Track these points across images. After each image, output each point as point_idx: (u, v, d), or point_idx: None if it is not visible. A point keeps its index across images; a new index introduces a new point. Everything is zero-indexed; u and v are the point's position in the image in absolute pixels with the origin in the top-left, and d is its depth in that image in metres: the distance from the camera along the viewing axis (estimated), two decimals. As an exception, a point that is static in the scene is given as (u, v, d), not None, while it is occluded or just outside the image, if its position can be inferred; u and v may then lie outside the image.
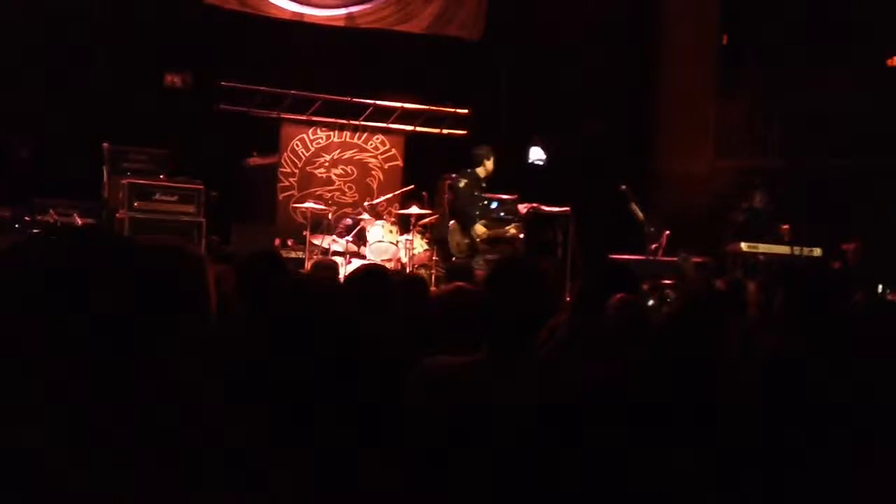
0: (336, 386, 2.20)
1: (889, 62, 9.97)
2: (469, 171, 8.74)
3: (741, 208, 8.42)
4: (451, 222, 8.80)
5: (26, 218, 8.31)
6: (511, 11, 10.62)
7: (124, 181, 8.51)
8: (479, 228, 8.52)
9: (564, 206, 9.03)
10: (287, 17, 10.28)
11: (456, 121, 11.01)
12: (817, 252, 7.88)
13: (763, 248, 7.87)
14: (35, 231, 7.49)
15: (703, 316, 2.43)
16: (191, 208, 8.61)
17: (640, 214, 8.39)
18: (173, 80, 9.89)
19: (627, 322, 2.77)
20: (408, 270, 8.13)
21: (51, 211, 8.43)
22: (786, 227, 8.16)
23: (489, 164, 8.64)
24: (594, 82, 10.47)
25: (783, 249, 7.84)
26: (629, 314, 2.81)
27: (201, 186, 8.69)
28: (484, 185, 8.72)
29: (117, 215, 8.48)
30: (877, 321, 2.46)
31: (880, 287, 7.61)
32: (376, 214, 9.48)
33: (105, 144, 8.94)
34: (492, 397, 2.09)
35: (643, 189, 8.68)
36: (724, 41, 10.41)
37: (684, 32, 10.57)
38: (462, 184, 8.71)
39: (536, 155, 9.43)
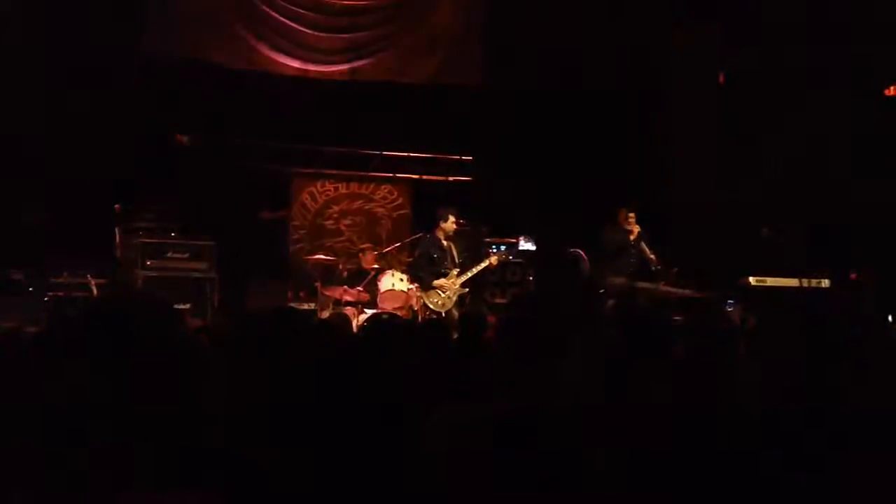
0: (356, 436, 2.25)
1: (887, 92, 10.03)
2: (427, 235, 8.62)
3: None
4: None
5: (40, 280, 8.40)
6: (511, 55, 10.75)
7: (136, 241, 8.62)
8: (440, 282, 8.24)
9: (575, 246, 9.14)
10: (291, 73, 10.48)
11: (461, 167, 11.14)
12: (825, 283, 7.90)
13: (771, 281, 7.91)
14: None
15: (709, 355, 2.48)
16: (202, 265, 8.72)
17: (651, 254, 8.45)
18: (182, 139, 10.06)
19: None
20: (420, 318, 8.18)
21: (64, 273, 8.51)
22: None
23: (445, 224, 8.40)
24: (598, 122, 10.59)
25: (792, 282, 7.87)
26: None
27: (212, 242, 8.80)
28: (445, 242, 8.43)
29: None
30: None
31: (890, 317, 7.60)
32: (387, 263, 9.55)
33: (116, 206, 9.07)
34: (506, 448, 2.12)
35: (651, 223, 8.72)
36: (721, 79, 10.52)
37: (687, 68, 10.74)
38: (416, 252, 8.69)
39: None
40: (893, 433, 2.37)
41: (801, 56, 9.74)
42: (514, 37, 10.76)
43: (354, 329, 6.65)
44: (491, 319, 5.70)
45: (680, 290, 8.01)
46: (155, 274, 8.47)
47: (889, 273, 8.35)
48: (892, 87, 9.80)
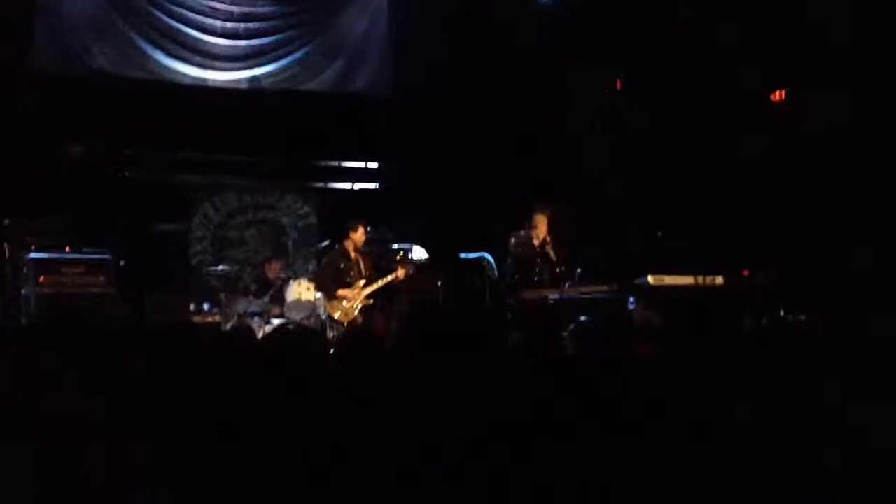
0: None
1: (772, 97, 10.45)
2: (336, 245, 8.64)
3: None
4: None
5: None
6: (421, 65, 10.76)
7: (28, 257, 8.26)
8: (343, 292, 8.29)
9: (481, 251, 9.23)
10: (189, 82, 10.24)
11: (367, 175, 11.11)
12: (720, 281, 8.20)
13: (668, 279, 8.16)
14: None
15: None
16: (99, 279, 8.40)
17: (555, 257, 8.60)
18: (74, 150, 9.73)
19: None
20: (327, 327, 8.12)
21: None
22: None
23: (355, 235, 8.45)
24: (503, 127, 10.72)
25: (688, 280, 8.14)
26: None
27: (109, 256, 8.50)
28: (353, 254, 8.47)
29: (22, 292, 8.20)
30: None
31: (782, 311, 7.93)
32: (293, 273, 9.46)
33: (6, 220, 8.68)
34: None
35: (554, 225, 8.86)
36: (619, 85, 10.83)
37: (586, 75, 11.00)
38: (323, 262, 8.73)
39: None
40: (794, 424, 2.48)
41: (693, 62, 10.10)
42: (418, 44, 10.80)
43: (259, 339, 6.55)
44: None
45: (588, 289, 8.17)
46: (49, 291, 8.11)
47: (779, 270, 8.74)
48: (777, 93, 10.23)
